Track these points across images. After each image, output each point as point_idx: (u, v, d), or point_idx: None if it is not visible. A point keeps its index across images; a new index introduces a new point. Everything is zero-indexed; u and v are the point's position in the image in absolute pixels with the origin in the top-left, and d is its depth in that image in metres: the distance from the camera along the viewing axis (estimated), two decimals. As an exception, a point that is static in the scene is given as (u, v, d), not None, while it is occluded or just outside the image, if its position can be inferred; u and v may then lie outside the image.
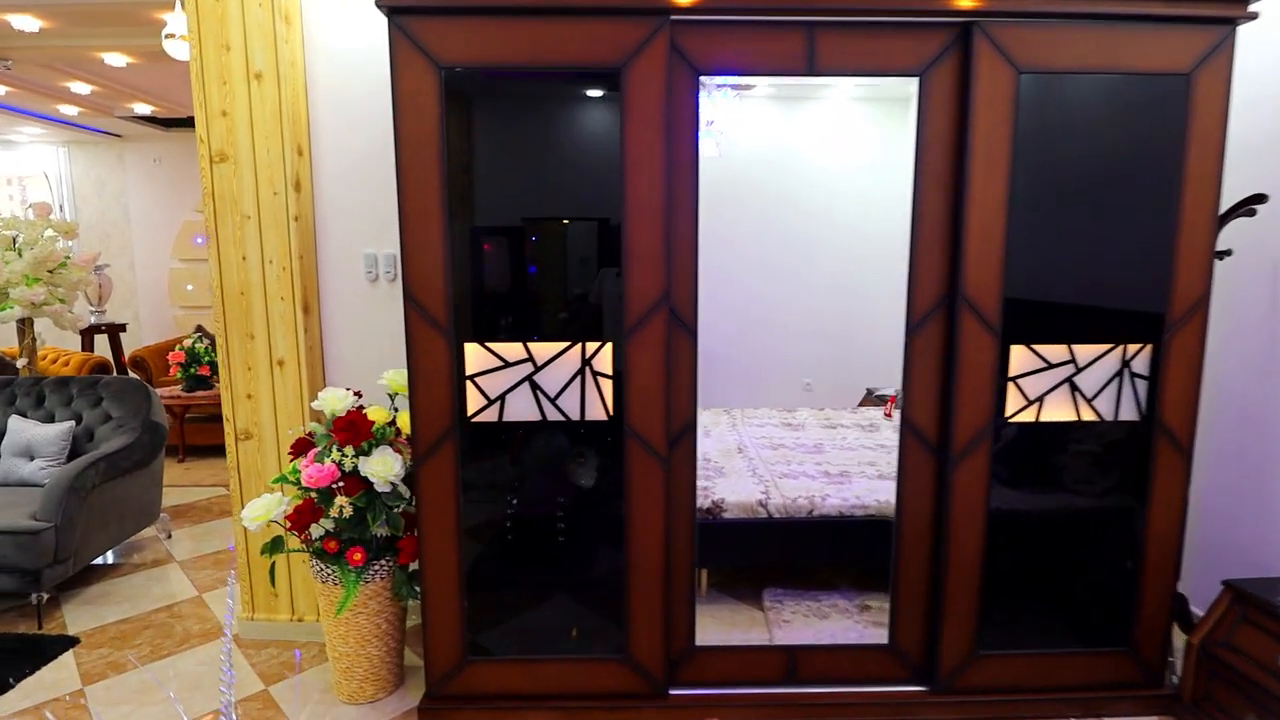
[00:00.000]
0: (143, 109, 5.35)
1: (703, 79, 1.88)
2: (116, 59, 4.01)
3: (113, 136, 6.38)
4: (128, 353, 5.66)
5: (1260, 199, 2.06)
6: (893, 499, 2.67)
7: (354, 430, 1.98)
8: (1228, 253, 2.11)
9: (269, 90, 2.26)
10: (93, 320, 5.59)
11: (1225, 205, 2.01)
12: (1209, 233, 1.96)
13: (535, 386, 1.96)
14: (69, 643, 2.55)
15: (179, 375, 4.96)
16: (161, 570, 3.19)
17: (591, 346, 1.95)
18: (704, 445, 2.91)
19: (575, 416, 1.97)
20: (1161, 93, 1.89)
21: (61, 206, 6.52)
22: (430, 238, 1.86)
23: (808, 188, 3.71)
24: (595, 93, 1.88)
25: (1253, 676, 1.91)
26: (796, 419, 3.63)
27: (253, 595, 2.58)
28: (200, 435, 5.00)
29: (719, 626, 2.53)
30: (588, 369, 1.95)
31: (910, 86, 1.90)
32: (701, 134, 1.89)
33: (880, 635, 2.29)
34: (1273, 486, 2.30)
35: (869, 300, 3.58)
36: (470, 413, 1.96)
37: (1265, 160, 2.24)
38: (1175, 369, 2.01)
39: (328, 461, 2.01)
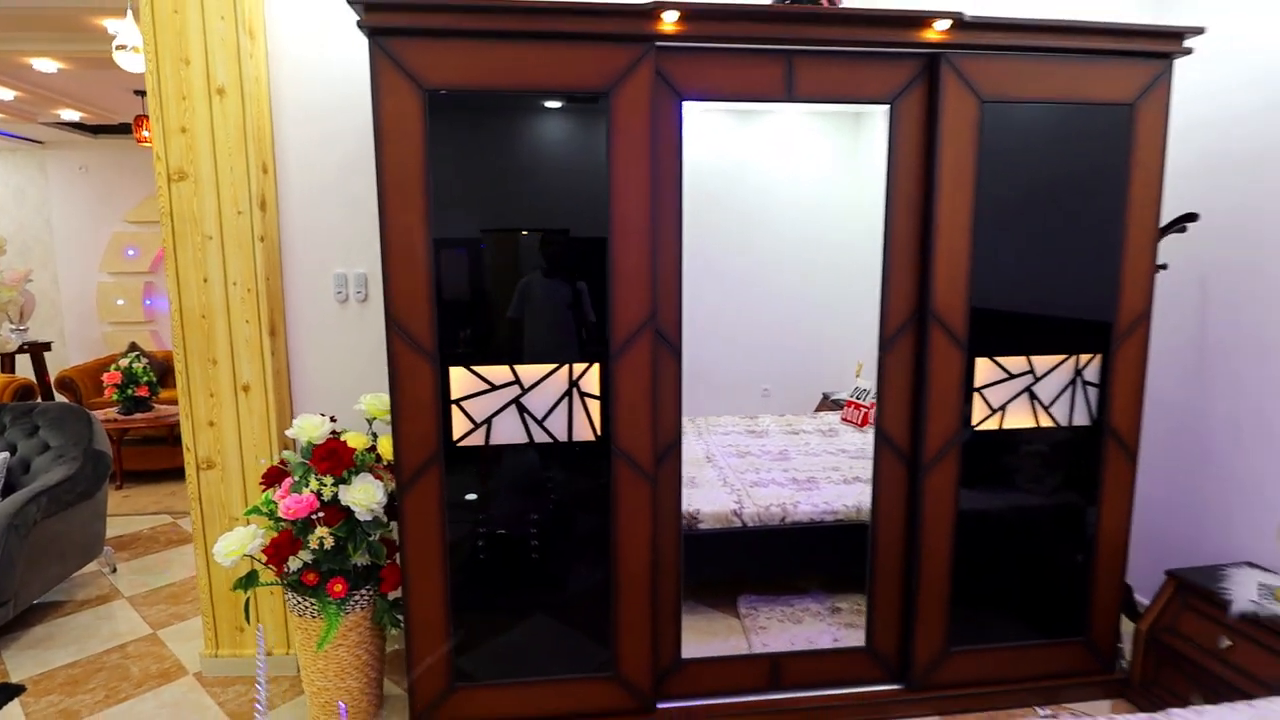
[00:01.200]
0: (70, 115, 5.04)
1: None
2: (47, 64, 3.76)
3: (33, 143, 5.98)
4: (54, 373, 5.30)
5: (1191, 218, 2.24)
6: (860, 503, 2.77)
7: (335, 459, 1.92)
8: (1163, 266, 2.28)
9: (232, 106, 2.18)
10: (13, 339, 5.21)
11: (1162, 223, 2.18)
12: (1150, 250, 2.12)
13: (522, 409, 1.95)
14: (14, 691, 2.38)
15: (115, 397, 4.68)
16: (108, 608, 3.01)
17: (579, 368, 1.95)
18: (677, 457, 2.94)
19: (563, 438, 1.98)
20: (1109, 121, 2.04)
21: (-26, 218, 6.08)
22: (414, 263, 1.83)
23: (760, 197, 3.77)
24: (581, 116, 1.89)
25: (1196, 659, 2.07)
26: (759, 426, 3.69)
27: (216, 631, 2.47)
28: (139, 460, 4.74)
29: (699, 636, 2.55)
30: (575, 390, 1.96)
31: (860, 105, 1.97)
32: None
33: (852, 636, 2.36)
34: (1204, 481, 2.49)
35: (822, 308, 3.68)
36: (456, 437, 1.94)
37: (1195, 181, 2.43)
38: (1122, 376, 2.16)
39: (306, 491, 1.95)
